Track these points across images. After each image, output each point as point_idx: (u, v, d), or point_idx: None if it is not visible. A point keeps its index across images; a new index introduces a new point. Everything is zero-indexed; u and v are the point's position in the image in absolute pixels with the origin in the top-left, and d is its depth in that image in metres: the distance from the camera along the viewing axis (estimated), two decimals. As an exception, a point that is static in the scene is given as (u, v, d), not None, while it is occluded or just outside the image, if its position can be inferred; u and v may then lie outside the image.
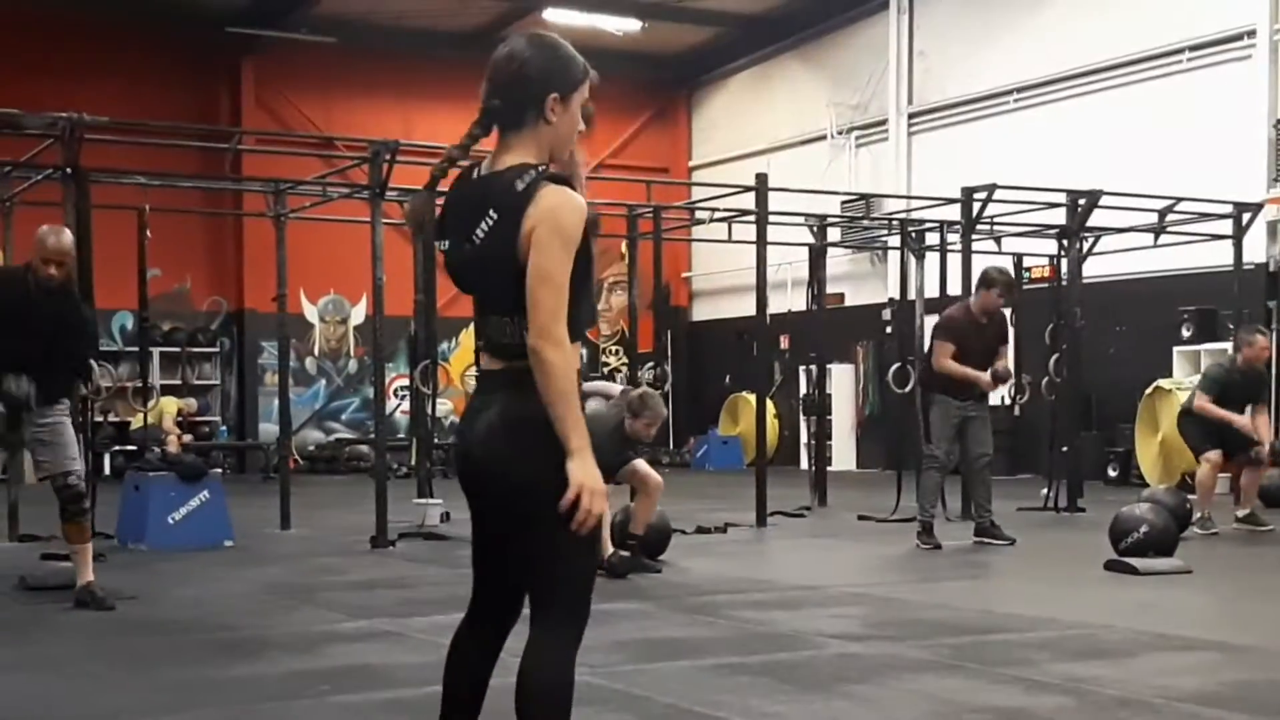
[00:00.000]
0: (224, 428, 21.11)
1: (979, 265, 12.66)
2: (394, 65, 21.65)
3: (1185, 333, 15.78)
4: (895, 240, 15.52)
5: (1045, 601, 7.51)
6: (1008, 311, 10.59)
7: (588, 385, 9.08)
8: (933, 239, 14.26)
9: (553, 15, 19.96)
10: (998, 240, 14.65)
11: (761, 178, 12.76)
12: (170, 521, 10.13)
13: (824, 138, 21.52)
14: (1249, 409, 10.83)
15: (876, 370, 19.85)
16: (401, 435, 19.81)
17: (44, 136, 10.41)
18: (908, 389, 12.25)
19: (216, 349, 21.14)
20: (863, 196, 18.06)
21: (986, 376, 9.88)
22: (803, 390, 15.79)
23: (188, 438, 17.71)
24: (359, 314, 21.55)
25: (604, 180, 19.31)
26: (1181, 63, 16.68)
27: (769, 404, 15.06)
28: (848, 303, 20.52)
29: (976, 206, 12.65)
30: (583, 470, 2.99)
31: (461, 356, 21.82)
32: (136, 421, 14.73)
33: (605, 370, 22.27)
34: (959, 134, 19.55)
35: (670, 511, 9.71)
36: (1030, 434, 15.73)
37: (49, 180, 10.68)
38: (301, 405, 20.83)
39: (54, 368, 7.23)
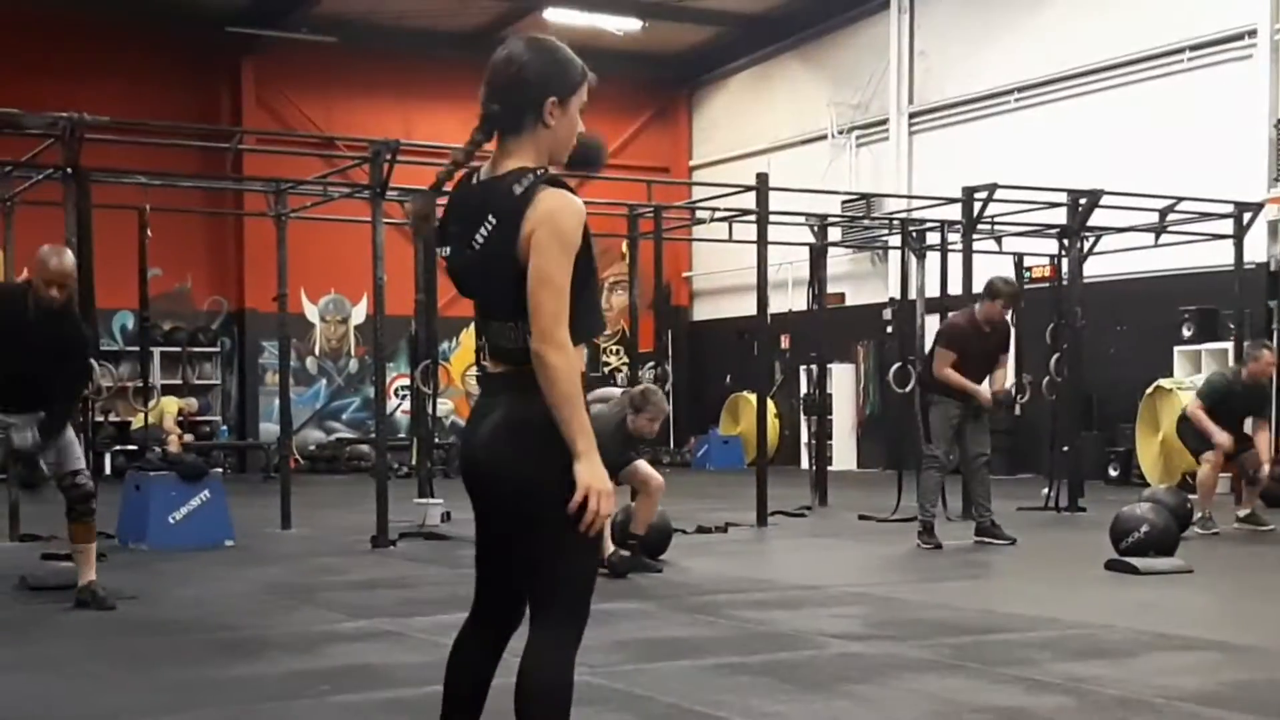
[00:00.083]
0: (225, 427, 21.10)
1: (980, 265, 12.74)
2: (394, 65, 21.65)
3: (1186, 332, 15.78)
4: (896, 240, 15.52)
5: (1046, 601, 7.51)
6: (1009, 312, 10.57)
7: (592, 394, 9.07)
8: (933, 239, 14.27)
9: (553, 15, 19.95)
10: (998, 240, 14.65)
11: (762, 177, 12.76)
12: (171, 521, 10.13)
13: (825, 137, 21.51)
14: (1250, 423, 10.84)
15: (877, 370, 19.85)
16: (402, 435, 19.81)
17: (45, 136, 10.41)
18: (908, 389, 12.25)
19: (217, 349, 21.14)
20: (863, 196, 18.05)
21: (986, 393, 9.92)
22: (803, 390, 15.78)
23: (188, 437, 17.72)
24: (360, 313, 21.55)
25: (604, 180, 19.30)
26: (1182, 62, 16.67)
27: (770, 404, 15.06)
28: (848, 302, 20.52)
29: (977, 206, 12.65)
30: (589, 472, 2.99)
31: (462, 356, 21.82)
32: (137, 421, 14.74)
33: (605, 370, 22.27)
34: (959, 134, 19.55)
35: (671, 511, 9.71)
36: (1031, 434, 15.73)
37: (50, 180, 10.69)
38: (302, 405, 20.84)
39: (54, 394, 7.14)
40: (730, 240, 15.62)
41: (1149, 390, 15.07)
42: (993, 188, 12.57)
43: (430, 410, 12.75)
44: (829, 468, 14.73)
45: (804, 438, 18.74)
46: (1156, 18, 16.84)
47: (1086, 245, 13.63)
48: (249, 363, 21.24)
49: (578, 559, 3.12)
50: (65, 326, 7.13)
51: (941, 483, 10.34)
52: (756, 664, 5.69)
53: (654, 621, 6.83)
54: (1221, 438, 10.71)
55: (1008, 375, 10.42)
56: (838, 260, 18.99)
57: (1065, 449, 13.16)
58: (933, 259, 14.10)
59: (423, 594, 7.86)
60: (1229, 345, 14.68)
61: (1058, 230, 13.55)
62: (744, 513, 12.07)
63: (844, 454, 20.07)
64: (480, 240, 3.05)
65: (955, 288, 12.94)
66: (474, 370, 14.75)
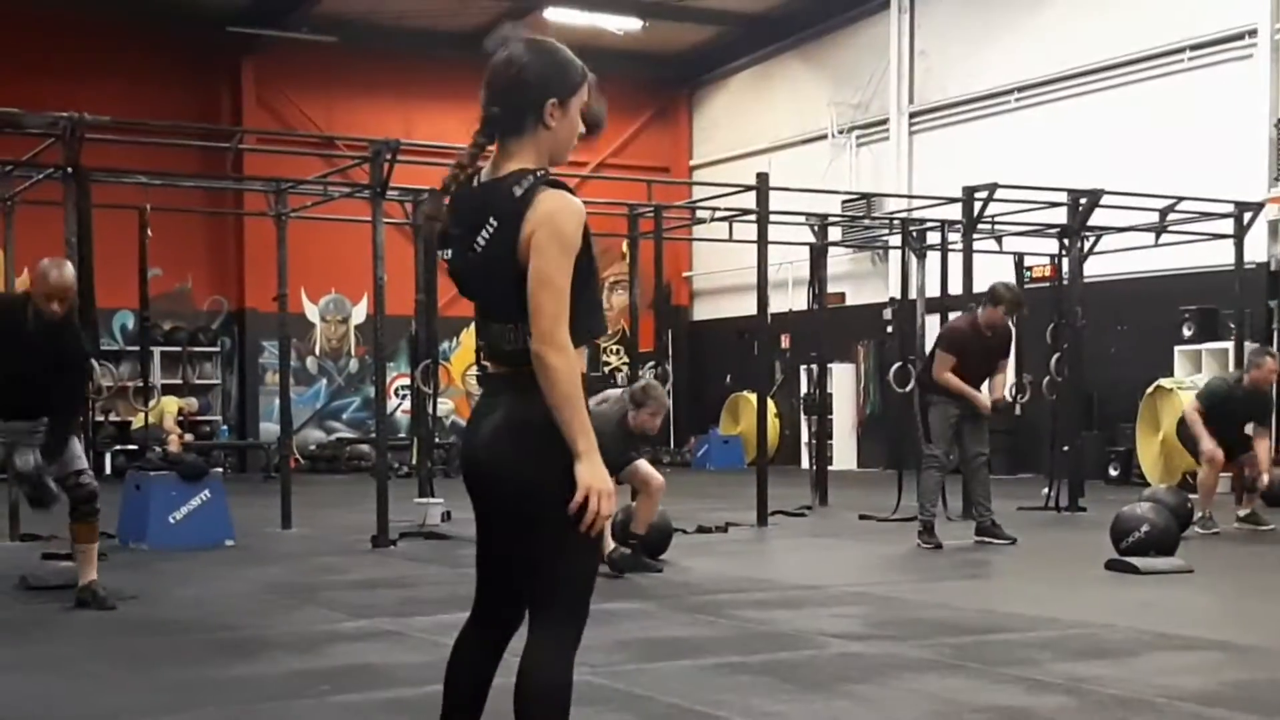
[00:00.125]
0: (225, 427, 21.11)
1: (980, 265, 12.75)
2: (395, 65, 21.66)
3: (1186, 332, 15.78)
4: (896, 240, 15.52)
5: (1046, 601, 7.51)
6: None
7: (594, 398, 9.07)
8: (934, 238, 14.27)
9: (553, 14, 19.95)
10: (999, 240, 14.65)
11: (762, 177, 12.76)
12: (171, 521, 10.13)
13: (825, 137, 21.51)
14: (1250, 428, 10.84)
15: (877, 370, 19.85)
16: (402, 434, 19.82)
17: (45, 136, 10.41)
18: (908, 388, 12.24)
19: (217, 348, 21.14)
20: (864, 196, 18.06)
21: (984, 399, 9.94)
22: (803, 390, 15.78)
23: (189, 437, 17.72)
24: (360, 313, 21.55)
25: (605, 179, 19.32)
26: (1182, 62, 16.67)
27: (770, 403, 15.05)
28: (849, 302, 20.52)
29: (978, 206, 12.65)
30: (590, 472, 2.99)
31: (462, 356, 21.84)
32: (137, 421, 14.73)
33: (606, 370, 22.27)
34: (960, 133, 19.55)
35: (671, 511, 9.71)
36: (1031, 433, 15.73)
37: (50, 180, 10.69)
38: (302, 405, 20.84)
39: (54, 410, 7.12)
40: (730, 240, 15.63)
41: (1149, 390, 15.07)
42: (993, 187, 12.57)
43: (430, 410, 12.76)
44: (829, 467, 14.72)
45: (804, 437, 18.74)
46: (1157, 17, 16.84)
47: (1087, 245, 13.63)
48: (249, 362, 21.24)
49: (578, 560, 3.12)
50: (65, 340, 7.08)
51: (942, 482, 10.33)
52: (757, 664, 5.69)
53: (654, 621, 6.83)
54: (1208, 445, 10.71)
55: (1007, 380, 10.40)
56: (838, 260, 18.99)
57: (1066, 449, 13.16)
58: (933, 259, 14.10)
59: (423, 594, 7.86)
60: (1229, 345, 14.69)
61: (1058, 230, 13.55)
62: (744, 512, 12.07)
63: (844, 454, 20.07)
64: (481, 243, 3.06)
65: (956, 287, 12.95)
66: (474, 370, 14.77)
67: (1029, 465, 16.89)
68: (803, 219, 14.76)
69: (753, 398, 18.22)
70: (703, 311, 24.50)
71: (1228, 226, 14.29)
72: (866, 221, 17.40)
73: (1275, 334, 15.22)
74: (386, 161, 10.56)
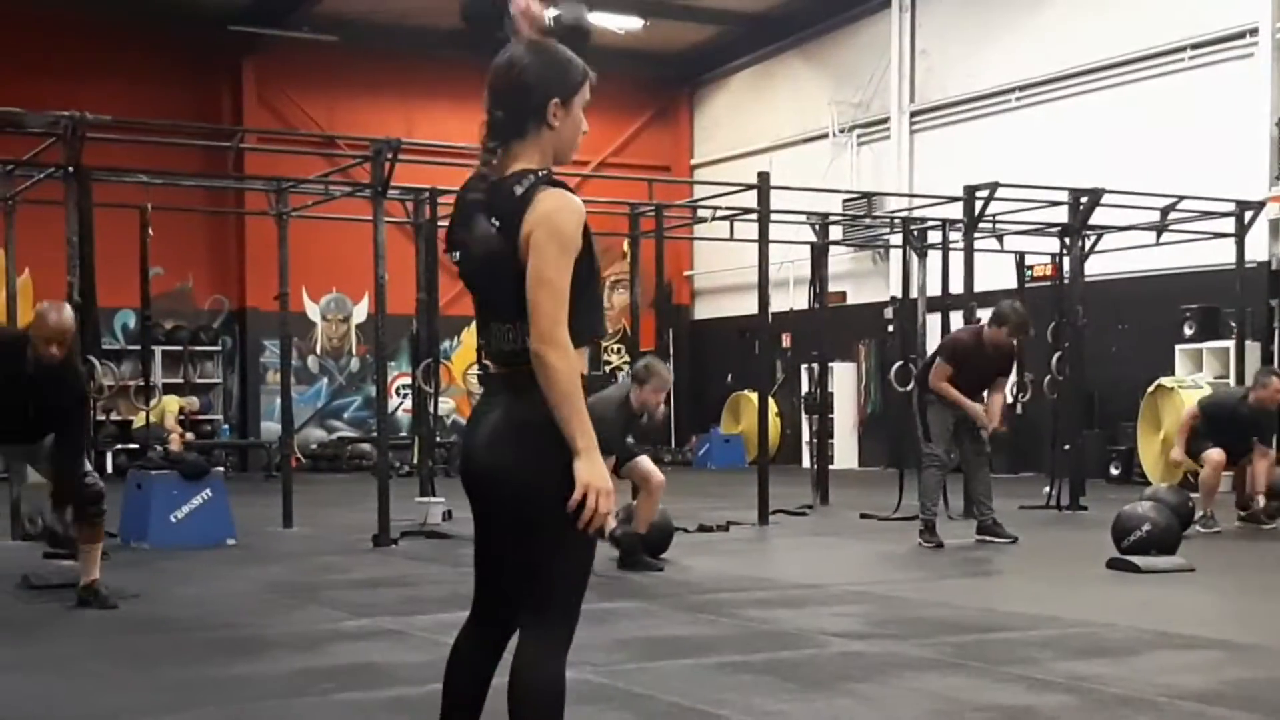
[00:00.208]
0: (226, 426, 21.11)
1: (981, 264, 12.75)
2: (396, 64, 21.66)
3: (1187, 331, 15.77)
4: (897, 239, 15.53)
5: (1048, 600, 7.51)
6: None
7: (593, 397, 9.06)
8: (935, 237, 14.29)
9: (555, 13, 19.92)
10: (1000, 239, 14.65)
11: (763, 176, 12.76)
12: (173, 520, 10.14)
13: (826, 136, 21.50)
14: (1256, 443, 10.85)
15: (878, 369, 19.85)
16: (403, 434, 19.84)
17: (46, 135, 10.41)
18: (909, 387, 12.25)
19: (218, 347, 21.14)
20: (865, 195, 18.06)
21: (978, 410, 9.94)
22: (804, 389, 15.79)
23: (190, 436, 17.71)
24: (361, 312, 21.55)
25: (606, 179, 19.33)
26: (1183, 61, 16.66)
27: (771, 402, 15.05)
28: (849, 301, 20.52)
29: (978, 205, 12.65)
30: (589, 470, 2.99)
31: (463, 355, 21.84)
32: (139, 420, 14.73)
33: (607, 369, 22.26)
34: (961, 132, 19.54)
35: (672, 510, 9.71)
36: (1032, 432, 15.72)
37: (51, 179, 10.69)
38: (303, 404, 20.84)
39: (58, 460, 7.12)
40: (731, 239, 15.62)
41: (1150, 389, 15.06)
42: (994, 186, 12.57)
43: (431, 409, 12.77)
44: (830, 466, 14.73)
45: (805, 436, 18.73)
46: (1157, 16, 16.83)
47: (1088, 244, 13.63)
48: (250, 361, 21.24)
49: (572, 562, 3.12)
50: (64, 383, 7.00)
51: (942, 481, 10.34)
52: (758, 662, 5.69)
53: (655, 620, 6.83)
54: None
55: (1006, 400, 10.35)
56: (839, 259, 19.00)
57: (1067, 447, 13.16)
58: (934, 258, 14.12)
59: (424, 592, 7.87)
60: (1230, 344, 14.69)
61: (1059, 229, 13.54)
62: (745, 511, 12.08)
63: (845, 453, 20.07)
64: (484, 243, 3.06)
65: (957, 286, 12.94)
66: (475, 369, 14.78)
67: (1030, 464, 16.88)
68: (804, 218, 14.77)
69: (754, 397, 18.22)
70: (704, 310, 24.51)
71: (1229, 225, 14.29)
72: (867, 220, 17.39)
73: (1276, 333, 15.22)
74: (388, 160, 10.56)
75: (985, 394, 10.06)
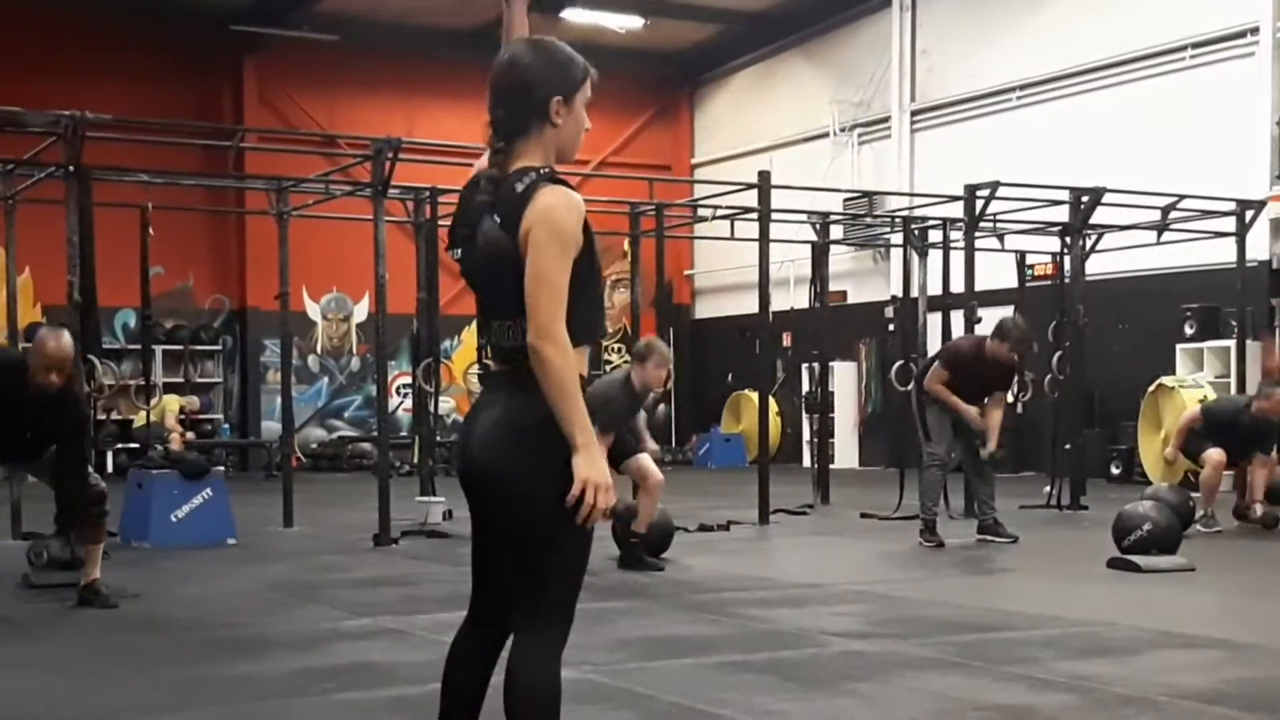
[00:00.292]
0: (226, 425, 21.10)
1: (982, 263, 12.73)
2: (396, 63, 21.65)
3: (1188, 330, 15.76)
4: (898, 238, 15.53)
5: (1048, 599, 7.51)
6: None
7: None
8: (935, 236, 14.29)
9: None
10: (1000, 238, 14.65)
11: (764, 175, 12.75)
12: (173, 519, 10.14)
13: (827, 135, 21.49)
14: (1256, 455, 10.86)
15: (879, 368, 19.84)
16: (404, 433, 19.84)
17: (47, 134, 10.40)
18: (909, 387, 12.25)
19: (219, 347, 21.13)
20: (865, 194, 18.05)
21: (974, 412, 9.91)
22: (805, 388, 15.78)
23: (190, 435, 17.71)
24: (361, 311, 21.55)
25: (606, 178, 19.33)
26: (1184, 60, 16.66)
27: (771, 402, 15.05)
28: (850, 300, 20.51)
29: (979, 204, 12.63)
30: (588, 465, 2.99)
31: (464, 354, 21.83)
32: (139, 419, 14.74)
33: (608, 369, 22.25)
34: (961, 131, 19.53)
35: (673, 509, 9.71)
36: (1033, 431, 15.73)
37: (52, 178, 10.68)
38: (304, 403, 20.84)
39: (59, 490, 7.14)
40: (732, 238, 15.62)
41: (1151, 388, 15.06)
42: (995, 185, 12.55)
43: (432, 408, 12.76)
44: (831, 466, 14.72)
45: (806, 436, 18.72)
46: (1158, 16, 16.83)
47: (1089, 243, 13.63)
48: (251, 361, 21.24)
49: (568, 562, 3.12)
50: (64, 409, 6.99)
51: (943, 481, 10.34)
52: (759, 662, 5.69)
53: (656, 619, 6.83)
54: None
55: (1002, 419, 10.26)
56: (840, 258, 19.00)
57: (1067, 447, 13.15)
58: (935, 257, 14.11)
59: (425, 592, 7.87)
60: (1231, 343, 14.69)
61: (1060, 228, 13.53)
62: (746, 511, 12.07)
63: (846, 452, 20.06)
64: (486, 241, 3.07)
65: (957, 286, 12.93)
66: (476, 368, 14.81)
67: (1031, 463, 16.88)
68: (804, 217, 14.76)
69: (754, 396, 18.21)
70: (704, 310, 24.50)
71: (1229, 224, 14.28)
72: (868, 220, 17.39)
73: (1277, 332, 15.22)
74: (388, 160, 10.56)
75: (985, 402, 10.04)
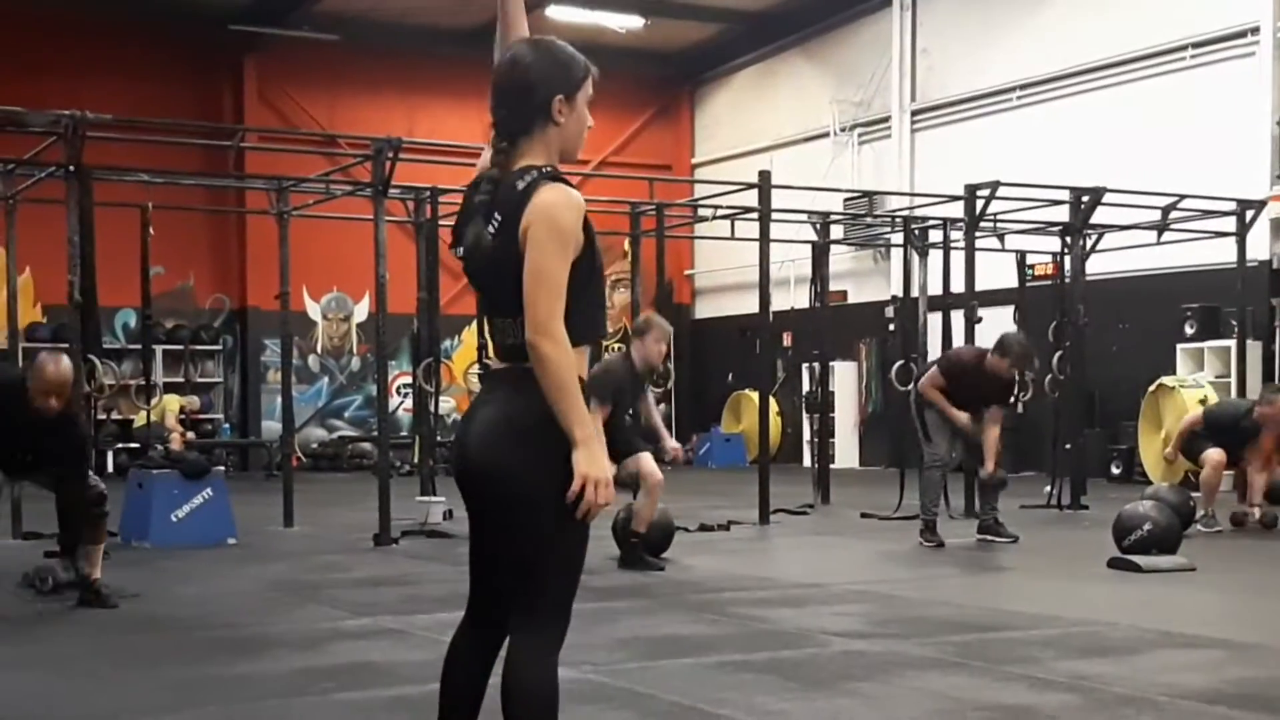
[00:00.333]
0: (227, 425, 21.10)
1: (982, 262, 12.73)
2: (397, 62, 21.66)
3: (1189, 330, 15.76)
4: (898, 237, 15.53)
5: (1049, 599, 7.51)
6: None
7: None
8: (936, 236, 14.28)
9: (556, 12, 19.95)
10: (1001, 238, 14.65)
11: (764, 175, 12.75)
12: (173, 519, 10.14)
13: (827, 135, 21.49)
14: (1257, 456, 10.85)
15: (879, 368, 19.84)
16: (404, 433, 19.83)
17: (47, 134, 10.40)
18: (909, 387, 12.24)
19: (219, 346, 21.13)
20: (866, 194, 18.05)
21: (965, 418, 9.89)
22: (805, 388, 15.77)
23: (190, 435, 17.71)
24: (362, 311, 21.55)
25: (607, 177, 19.32)
26: (1184, 60, 16.65)
27: (772, 401, 15.05)
28: (850, 300, 20.52)
29: (980, 204, 12.63)
30: (588, 461, 2.99)
31: (464, 354, 21.82)
32: (139, 419, 14.75)
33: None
34: (962, 131, 19.53)
35: (673, 509, 9.70)
36: (1033, 431, 15.72)
37: (52, 178, 10.68)
38: (304, 403, 20.84)
39: (62, 514, 7.19)
40: (732, 238, 15.62)
41: (1151, 388, 15.06)
42: (995, 185, 12.55)
43: (432, 408, 12.75)
44: (831, 466, 14.72)
45: (806, 436, 18.72)
46: (1158, 15, 16.83)
47: (1089, 243, 13.63)
48: (251, 361, 21.24)
49: (565, 562, 3.12)
50: (63, 433, 7.04)
51: (943, 481, 10.33)
52: (759, 662, 5.69)
53: (656, 619, 6.82)
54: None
55: (1000, 434, 10.23)
56: (840, 258, 18.99)
57: (1068, 447, 13.16)
58: (935, 256, 14.11)
59: (425, 591, 7.87)
60: (1231, 343, 14.69)
61: (1060, 228, 13.53)
62: (746, 510, 12.07)
63: (846, 452, 20.06)
64: (488, 238, 3.07)
65: (958, 285, 12.93)
66: (476, 368, 14.77)
67: (1031, 463, 16.87)
68: (805, 217, 14.76)
69: (754, 396, 18.22)
70: (705, 310, 24.50)
71: (1230, 224, 14.28)
72: (868, 219, 17.39)
73: (1278, 332, 15.21)
74: (388, 159, 10.56)
75: (984, 415, 10.01)
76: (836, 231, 16.48)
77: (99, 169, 10.67)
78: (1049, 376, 13.07)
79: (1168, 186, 14.06)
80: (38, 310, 18.73)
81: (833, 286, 15.93)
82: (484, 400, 3.18)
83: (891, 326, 18.05)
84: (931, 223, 14.45)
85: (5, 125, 11.08)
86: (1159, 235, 14.64)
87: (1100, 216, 13.35)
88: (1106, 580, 8.28)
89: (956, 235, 13.60)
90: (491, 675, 3.27)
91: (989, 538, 10.10)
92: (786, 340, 20.54)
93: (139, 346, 13.28)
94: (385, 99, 21.50)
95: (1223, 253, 14.53)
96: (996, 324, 12.19)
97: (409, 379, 18.50)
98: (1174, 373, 15.40)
